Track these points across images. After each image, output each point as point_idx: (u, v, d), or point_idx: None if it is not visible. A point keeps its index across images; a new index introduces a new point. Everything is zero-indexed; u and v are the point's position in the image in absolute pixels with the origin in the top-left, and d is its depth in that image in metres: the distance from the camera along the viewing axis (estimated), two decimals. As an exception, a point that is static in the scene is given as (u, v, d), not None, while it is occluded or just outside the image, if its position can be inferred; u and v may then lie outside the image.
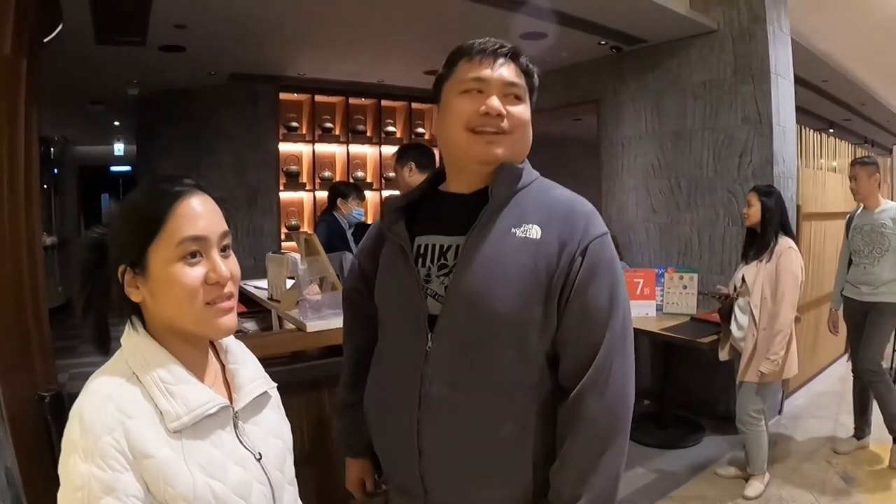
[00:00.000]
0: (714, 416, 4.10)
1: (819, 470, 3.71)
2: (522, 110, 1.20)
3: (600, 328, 1.13)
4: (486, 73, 1.17)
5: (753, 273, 3.23)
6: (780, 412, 4.40)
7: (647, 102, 4.66)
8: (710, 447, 3.89)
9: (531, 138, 1.24)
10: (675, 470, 3.58)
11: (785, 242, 3.22)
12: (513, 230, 1.15)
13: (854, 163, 3.92)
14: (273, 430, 1.03)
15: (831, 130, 5.69)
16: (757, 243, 3.27)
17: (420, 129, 6.96)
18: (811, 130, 4.87)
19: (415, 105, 6.83)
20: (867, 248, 3.78)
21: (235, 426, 0.95)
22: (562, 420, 1.15)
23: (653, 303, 3.98)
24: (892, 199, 3.98)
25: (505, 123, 1.17)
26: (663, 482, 3.45)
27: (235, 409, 0.96)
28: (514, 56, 1.20)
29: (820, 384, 5.18)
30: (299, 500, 1.09)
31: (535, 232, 1.14)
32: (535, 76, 1.24)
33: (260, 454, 0.96)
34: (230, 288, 0.92)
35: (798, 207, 4.22)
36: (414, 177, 3.06)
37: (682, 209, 4.47)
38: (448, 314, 1.15)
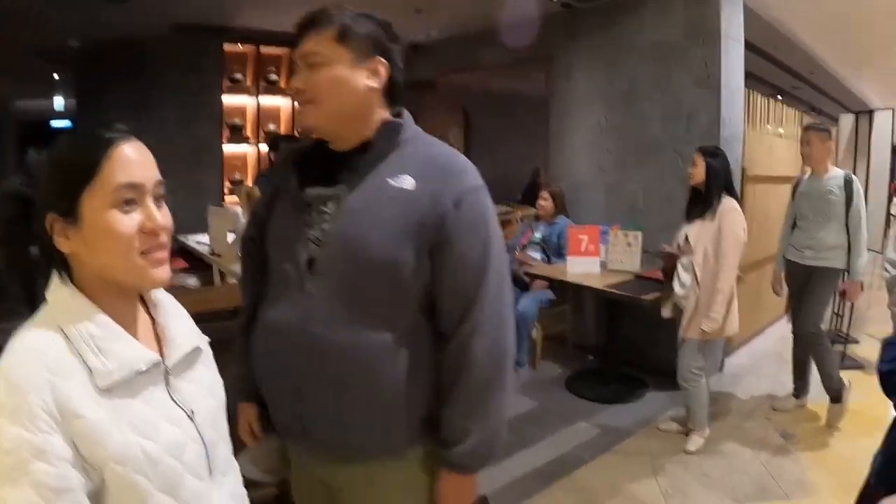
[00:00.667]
0: (657, 373, 4.17)
1: (759, 427, 3.82)
2: (321, 76, 1.22)
3: (474, 279, 1.21)
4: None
5: (696, 232, 3.26)
6: (721, 370, 4.51)
7: (599, 62, 4.64)
8: (653, 403, 3.98)
9: (358, 95, 1.24)
10: (618, 425, 3.65)
11: (728, 203, 3.24)
12: (388, 181, 1.22)
13: (808, 128, 3.96)
14: (206, 387, 1.00)
15: (779, 97, 5.77)
16: (700, 203, 3.30)
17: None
18: (759, 95, 4.92)
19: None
20: (813, 213, 3.85)
21: (167, 383, 0.92)
22: (445, 366, 1.24)
23: (597, 259, 3.99)
24: (837, 167, 4.05)
25: (307, 95, 1.23)
26: (607, 437, 3.51)
27: (167, 365, 0.93)
28: (315, 23, 1.23)
29: (761, 344, 5.33)
30: (233, 458, 1.06)
31: (409, 183, 1.21)
32: (361, 29, 1.24)
33: (192, 411, 0.93)
34: (164, 238, 0.90)
35: (743, 170, 4.28)
36: None
37: (629, 168, 4.49)
38: (325, 257, 1.22)
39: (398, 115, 1.30)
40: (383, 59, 1.25)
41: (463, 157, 1.30)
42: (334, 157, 1.29)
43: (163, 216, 0.89)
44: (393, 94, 1.29)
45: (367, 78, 1.24)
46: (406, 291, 1.22)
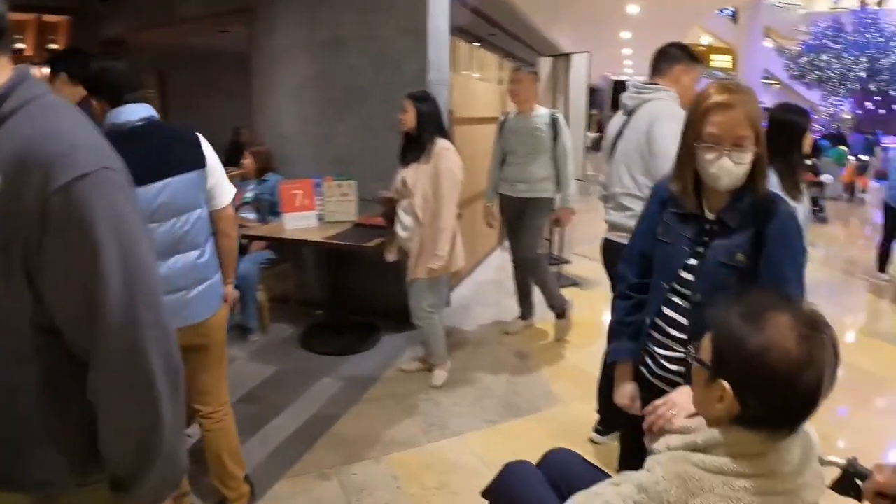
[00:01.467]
0: (389, 317, 4.26)
1: (494, 352, 4.12)
2: None
3: (94, 296, 0.94)
4: None
5: (413, 175, 3.31)
6: (448, 304, 4.76)
7: (304, 11, 4.45)
8: (390, 346, 4.07)
9: None
10: (361, 374, 3.67)
11: (442, 144, 3.33)
12: None
13: (519, 69, 4.22)
14: None
15: (478, 44, 6.15)
16: (415, 147, 3.35)
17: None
18: (462, 42, 5.16)
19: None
20: (523, 148, 4.13)
21: None
22: (90, 391, 1.00)
23: (313, 213, 3.90)
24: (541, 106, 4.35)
25: None
26: (353, 387, 3.51)
27: None
28: None
29: (481, 275, 5.75)
30: None
31: None
32: None
33: None
34: None
35: (451, 113, 4.45)
36: (66, 90, 2.62)
37: (339, 119, 4.43)
38: None
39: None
40: None
41: (68, 136, 0.95)
42: None
43: None
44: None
45: None
46: (9, 318, 0.96)
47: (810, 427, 1.19)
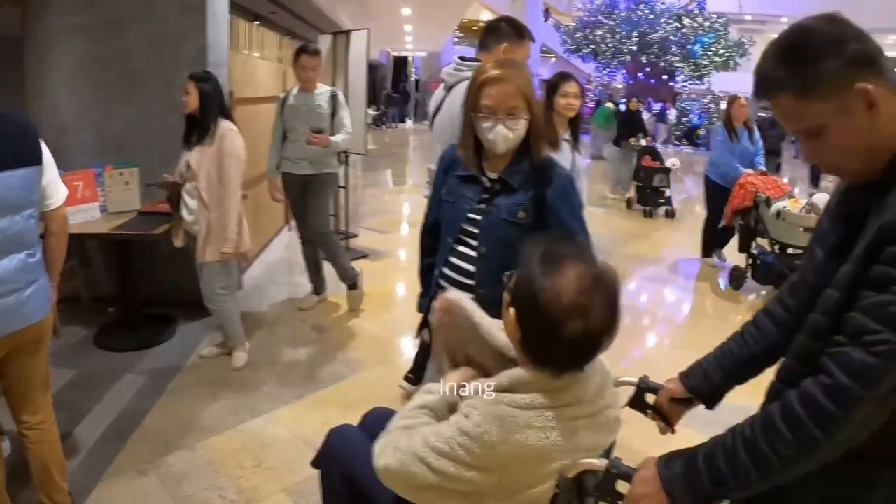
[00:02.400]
0: (183, 305, 4.16)
1: (292, 328, 4.21)
2: None
3: None
4: None
5: (197, 158, 3.28)
6: (241, 287, 4.74)
7: (81, -10, 4.07)
8: (188, 335, 4.00)
9: None
10: (163, 366, 3.57)
11: (226, 125, 3.31)
12: None
13: (301, 50, 4.21)
14: None
15: (257, 22, 6.03)
16: (198, 129, 3.30)
17: None
18: (241, 21, 5.06)
19: None
20: (304, 126, 4.18)
21: None
22: None
23: (96, 204, 3.68)
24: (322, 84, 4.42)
25: None
26: (157, 380, 3.41)
27: None
28: None
29: (270, 254, 5.78)
30: None
31: None
32: None
33: None
34: None
35: (231, 93, 4.40)
36: None
37: (118, 104, 4.17)
38: None
39: None
40: None
41: None
42: None
43: None
44: None
45: None
46: None
47: (604, 357, 1.29)
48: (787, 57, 1.03)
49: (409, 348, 3.99)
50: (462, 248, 1.93)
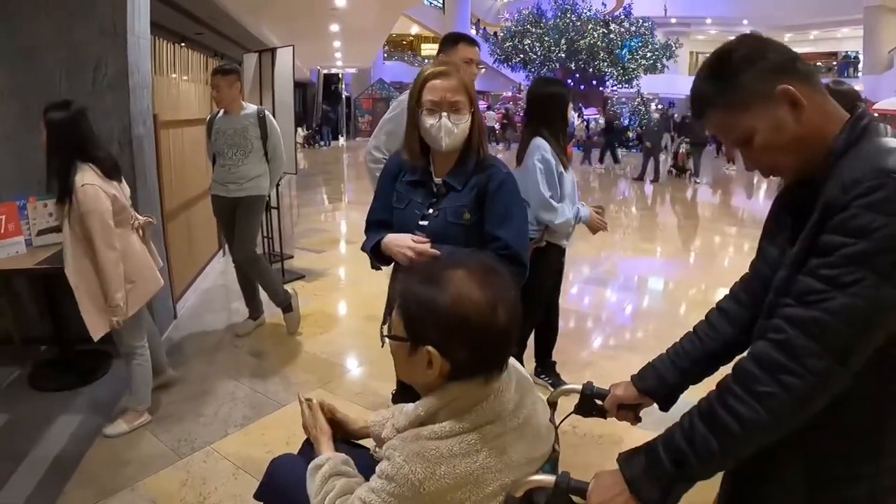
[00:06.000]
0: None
1: (231, 356, 4.10)
2: None
3: None
4: None
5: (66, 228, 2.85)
6: (175, 317, 4.62)
7: (-3, 19, 3.89)
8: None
9: None
10: (98, 404, 3.39)
11: (79, 179, 2.76)
12: None
13: (215, 73, 4.12)
14: None
15: (183, 44, 5.92)
16: (50, 180, 2.82)
17: None
18: (165, 42, 4.96)
19: None
20: (231, 150, 4.12)
21: None
22: None
23: (21, 239, 3.51)
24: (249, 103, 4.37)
25: None
26: (93, 419, 3.23)
27: None
28: None
29: (204, 282, 5.62)
30: None
31: None
32: None
33: None
34: None
35: (155, 117, 4.30)
36: None
37: (39, 133, 4.00)
38: None
39: None
40: None
41: None
42: None
43: None
44: None
45: None
46: None
47: (514, 361, 1.27)
48: (712, 75, 1.12)
49: (350, 367, 3.96)
50: None
